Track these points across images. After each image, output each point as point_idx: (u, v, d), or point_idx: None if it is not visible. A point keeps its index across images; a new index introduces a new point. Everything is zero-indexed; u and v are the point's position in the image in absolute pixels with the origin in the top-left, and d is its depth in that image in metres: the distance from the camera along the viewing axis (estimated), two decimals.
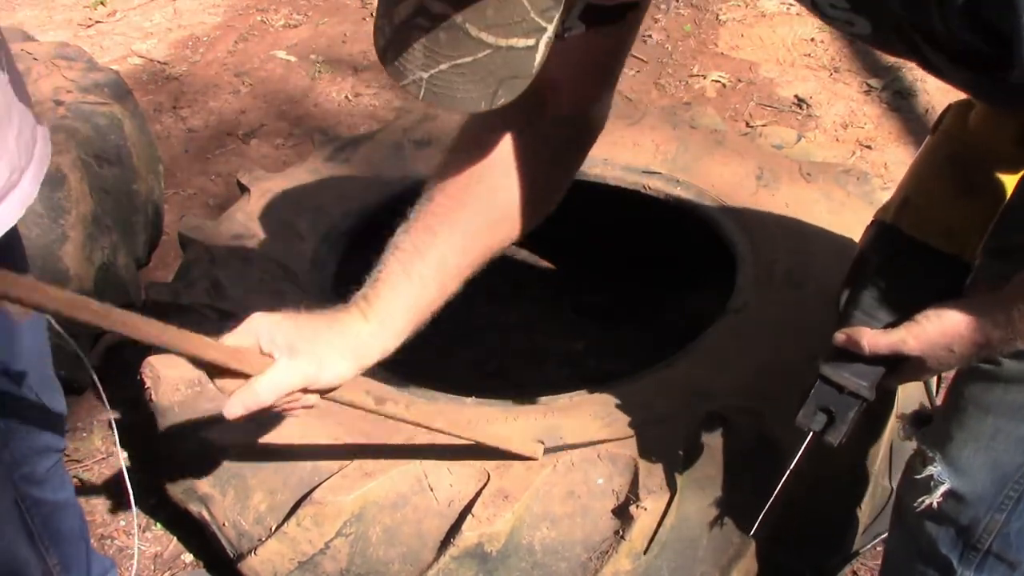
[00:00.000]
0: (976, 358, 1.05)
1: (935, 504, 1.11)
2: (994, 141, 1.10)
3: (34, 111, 1.24)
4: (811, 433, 1.17)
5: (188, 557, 1.85)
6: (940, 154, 1.14)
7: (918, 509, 1.13)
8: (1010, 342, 1.01)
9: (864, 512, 1.53)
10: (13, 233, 1.27)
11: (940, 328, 1.04)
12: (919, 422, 1.19)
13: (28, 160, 1.17)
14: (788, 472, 1.20)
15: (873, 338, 1.10)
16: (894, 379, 1.15)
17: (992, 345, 1.01)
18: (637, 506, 1.30)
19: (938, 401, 1.43)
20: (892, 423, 1.51)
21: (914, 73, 3.14)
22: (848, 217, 1.75)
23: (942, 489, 1.10)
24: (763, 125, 3.04)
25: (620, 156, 2.07)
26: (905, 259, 1.13)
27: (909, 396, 1.54)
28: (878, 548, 1.78)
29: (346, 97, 3.37)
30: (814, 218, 1.78)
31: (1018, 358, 1.05)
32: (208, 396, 1.54)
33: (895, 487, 1.46)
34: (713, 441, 1.38)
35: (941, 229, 1.11)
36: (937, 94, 3.02)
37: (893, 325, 1.10)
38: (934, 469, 1.11)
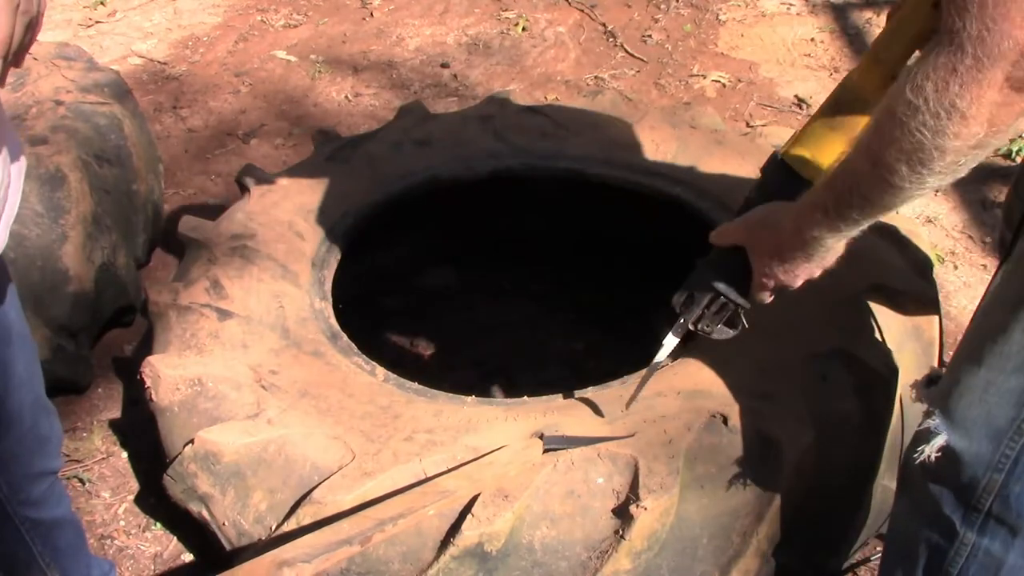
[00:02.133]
0: (795, 247, 1.19)
1: (932, 457, 1.15)
2: (865, 84, 1.22)
3: (12, 135, 1.18)
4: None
5: (188, 557, 1.85)
6: (830, 98, 1.27)
7: (917, 461, 1.17)
8: (810, 229, 1.15)
9: (865, 511, 1.53)
10: None
11: (758, 213, 1.26)
12: (929, 383, 1.24)
13: (1, 208, 1.13)
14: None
15: (718, 231, 1.32)
16: (753, 285, 1.29)
17: (796, 231, 1.17)
18: (637, 506, 1.30)
19: None
20: (893, 423, 1.51)
21: None
22: None
23: (939, 440, 1.15)
24: (763, 125, 3.04)
25: (620, 156, 2.08)
26: (774, 181, 1.30)
27: (911, 400, 1.54)
28: (878, 548, 1.79)
29: (346, 97, 3.37)
30: None
31: (1007, 309, 1.10)
32: (208, 396, 1.54)
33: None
34: (713, 441, 1.38)
35: (803, 161, 1.26)
36: None
37: None
38: (932, 422, 1.16)
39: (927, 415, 1.18)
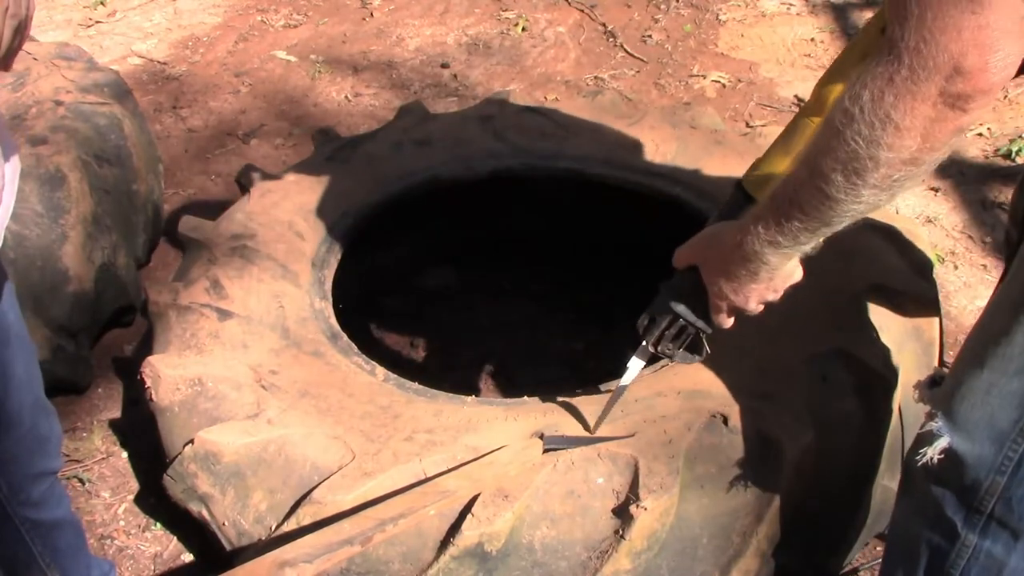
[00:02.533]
0: (738, 263, 1.18)
1: (934, 460, 1.14)
2: (815, 109, 1.24)
3: (6, 137, 1.18)
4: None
5: (188, 557, 1.85)
6: (788, 124, 1.29)
7: (919, 463, 1.16)
8: (753, 244, 1.13)
9: (865, 511, 1.53)
10: None
11: (707, 231, 1.25)
12: (932, 384, 1.24)
13: None
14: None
15: (676, 253, 1.31)
16: (710, 307, 1.28)
17: (737, 245, 1.15)
18: (637, 506, 1.30)
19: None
20: (893, 423, 1.51)
21: None
22: None
23: (941, 443, 1.14)
24: (763, 125, 3.04)
25: (620, 156, 2.08)
26: (731, 204, 1.32)
27: (912, 400, 1.54)
28: (878, 548, 1.79)
29: (346, 97, 3.37)
30: None
31: (1010, 311, 1.09)
32: (208, 396, 1.54)
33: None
34: (713, 441, 1.38)
35: (760, 182, 1.28)
36: None
37: None
38: (935, 424, 1.15)
39: (929, 417, 1.17)
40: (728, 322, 1.30)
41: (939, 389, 1.20)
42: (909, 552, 1.24)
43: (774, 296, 1.23)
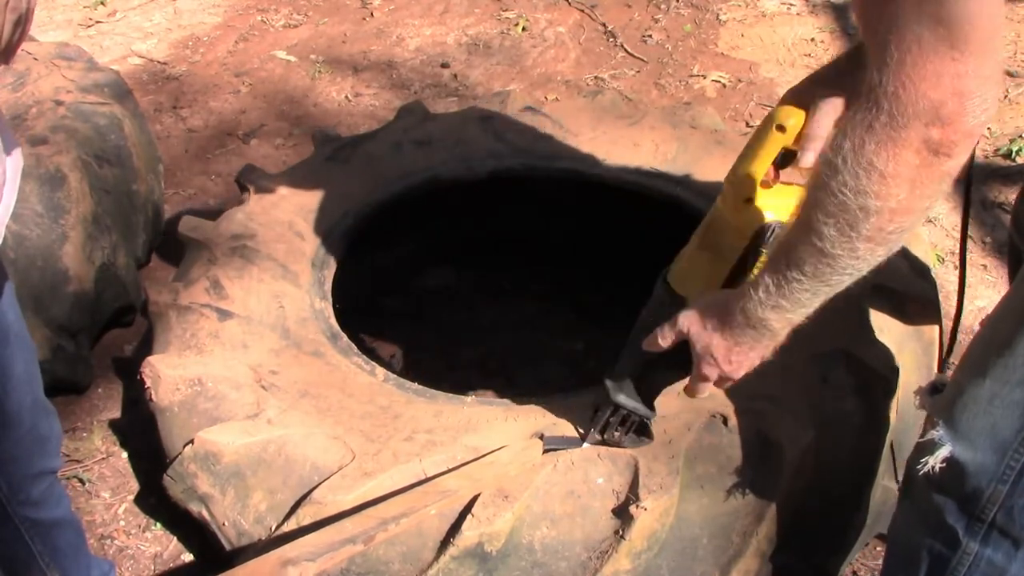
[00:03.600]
0: (742, 332, 1.14)
1: (936, 468, 1.15)
2: (724, 206, 1.27)
3: (7, 134, 1.18)
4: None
5: (188, 557, 1.85)
6: (704, 221, 1.32)
7: (921, 472, 1.16)
8: (754, 311, 1.10)
9: (864, 512, 1.53)
10: None
11: (698, 304, 1.21)
12: (933, 391, 1.24)
13: None
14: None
15: (660, 332, 1.24)
16: (692, 377, 1.25)
17: (740, 313, 1.12)
18: (637, 506, 1.30)
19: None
20: (893, 424, 1.51)
21: None
22: None
23: (943, 452, 1.14)
24: None
25: (620, 156, 2.08)
26: (656, 298, 1.34)
27: (912, 401, 1.54)
28: (878, 548, 1.79)
29: (346, 97, 3.37)
30: None
31: (1014, 322, 1.09)
32: (208, 396, 1.54)
33: (899, 486, 1.47)
34: (713, 441, 1.38)
35: (681, 276, 1.31)
36: None
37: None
38: (936, 433, 1.15)
39: (930, 425, 1.17)
40: (706, 393, 1.27)
41: (940, 397, 1.19)
42: (910, 557, 1.24)
43: (760, 362, 1.20)
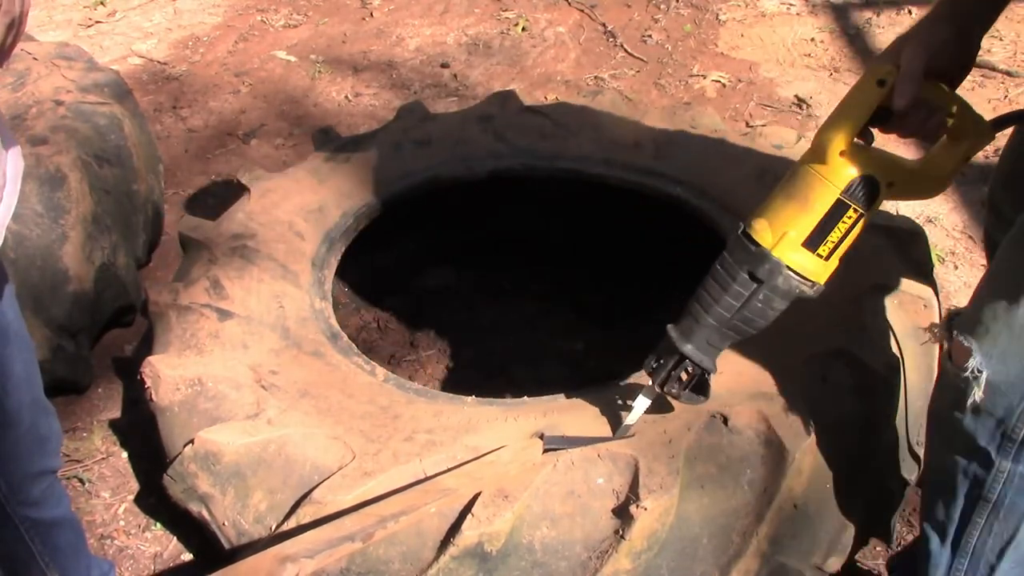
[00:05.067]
0: None
1: (980, 398, 1.22)
2: (813, 158, 1.27)
3: (7, 135, 1.18)
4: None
5: (188, 557, 1.86)
6: (789, 172, 1.32)
7: (968, 404, 1.23)
8: None
9: (864, 511, 1.53)
10: None
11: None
12: (949, 320, 1.30)
13: None
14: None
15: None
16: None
17: None
18: (637, 506, 1.30)
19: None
20: (893, 423, 1.51)
21: None
22: None
23: (984, 378, 1.22)
24: (763, 125, 3.04)
25: (620, 156, 2.08)
26: (730, 255, 1.33)
27: (912, 400, 1.55)
28: (877, 548, 1.79)
29: (346, 97, 3.37)
30: None
31: None
32: (208, 396, 1.54)
33: (902, 481, 1.52)
34: (713, 441, 1.38)
35: (764, 226, 1.30)
36: None
37: None
38: (973, 361, 1.22)
39: (960, 353, 1.23)
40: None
41: (966, 321, 1.25)
42: (946, 483, 1.33)
43: None
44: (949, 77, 1.27)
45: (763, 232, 1.29)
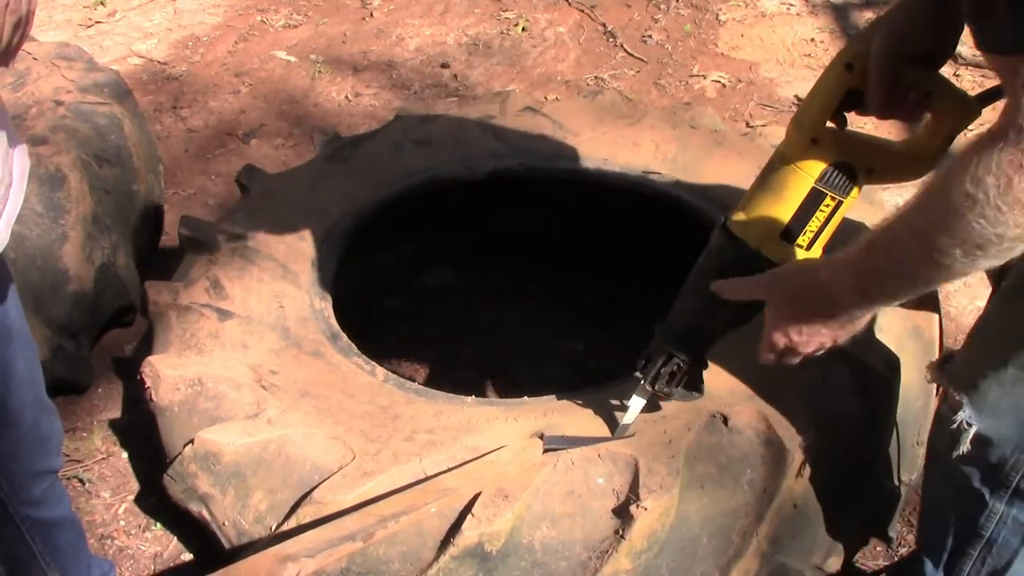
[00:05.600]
0: (820, 310, 1.17)
1: (967, 449, 1.26)
2: (789, 149, 1.26)
3: (12, 134, 1.18)
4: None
5: (188, 557, 1.86)
6: (765, 168, 1.31)
7: (954, 456, 1.27)
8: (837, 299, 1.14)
9: (864, 511, 1.53)
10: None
11: (786, 270, 1.23)
12: (943, 362, 1.33)
13: (1, 208, 1.13)
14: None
15: (731, 284, 1.27)
16: (762, 342, 1.26)
17: (823, 287, 1.15)
18: (637, 506, 1.30)
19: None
20: (893, 423, 1.51)
21: None
22: (848, 216, 1.75)
23: (972, 432, 1.25)
24: (763, 125, 3.04)
25: (620, 156, 2.08)
26: (716, 244, 1.32)
27: (911, 400, 1.55)
28: (877, 548, 1.79)
29: (346, 97, 3.37)
30: None
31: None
32: (208, 396, 1.54)
33: (902, 479, 1.57)
34: (713, 441, 1.38)
35: (742, 219, 1.30)
36: None
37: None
38: (963, 414, 1.25)
39: (953, 405, 1.27)
40: (771, 359, 1.28)
41: (957, 372, 1.28)
42: (942, 514, 1.39)
43: (831, 345, 1.22)
44: (928, 57, 1.23)
45: (741, 225, 1.29)
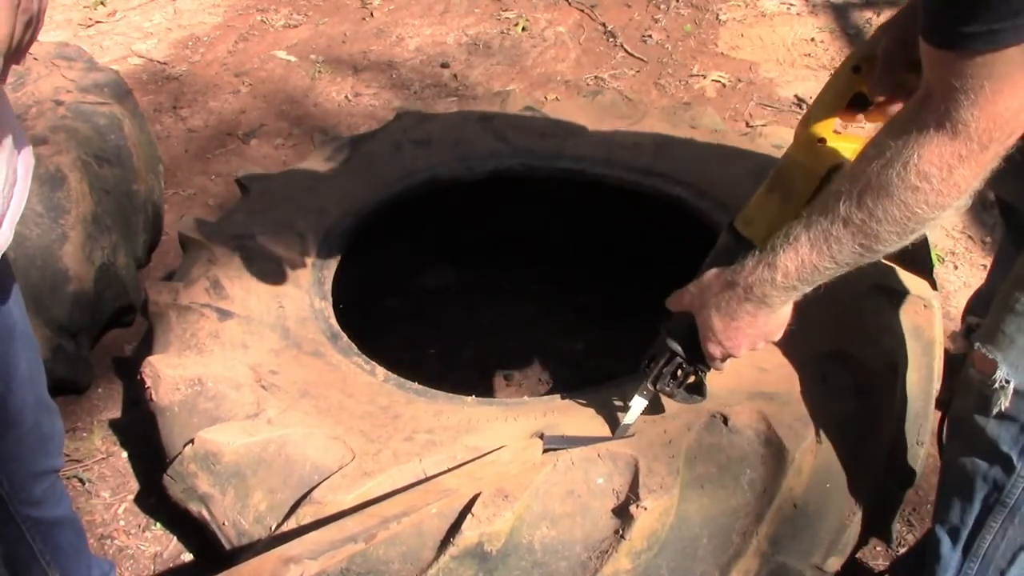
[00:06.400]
0: (740, 306, 1.22)
1: (1006, 406, 1.26)
2: (797, 149, 1.29)
3: (18, 133, 1.18)
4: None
5: (188, 557, 1.86)
6: (777, 168, 1.34)
7: (994, 414, 1.28)
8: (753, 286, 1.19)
9: (865, 511, 1.53)
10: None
11: (705, 276, 1.28)
12: (968, 332, 1.38)
13: (5, 207, 1.13)
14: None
15: (672, 297, 1.34)
16: (704, 351, 1.32)
17: (744, 287, 1.20)
18: (637, 506, 1.30)
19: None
20: (892, 423, 1.51)
21: None
22: None
23: (1011, 388, 1.26)
24: (763, 125, 3.04)
25: (620, 156, 2.08)
26: (723, 244, 1.34)
27: (911, 400, 1.55)
28: (877, 548, 1.79)
29: (346, 97, 3.37)
30: None
31: None
32: (208, 396, 1.54)
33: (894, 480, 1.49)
34: (713, 441, 1.38)
35: (749, 219, 1.32)
36: None
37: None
38: (1000, 373, 1.26)
39: (985, 365, 1.27)
40: (722, 366, 1.34)
41: (987, 333, 1.28)
42: (964, 487, 1.37)
43: (763, 343, 1.28)
44: None
45: (749, 225, 1.30)
